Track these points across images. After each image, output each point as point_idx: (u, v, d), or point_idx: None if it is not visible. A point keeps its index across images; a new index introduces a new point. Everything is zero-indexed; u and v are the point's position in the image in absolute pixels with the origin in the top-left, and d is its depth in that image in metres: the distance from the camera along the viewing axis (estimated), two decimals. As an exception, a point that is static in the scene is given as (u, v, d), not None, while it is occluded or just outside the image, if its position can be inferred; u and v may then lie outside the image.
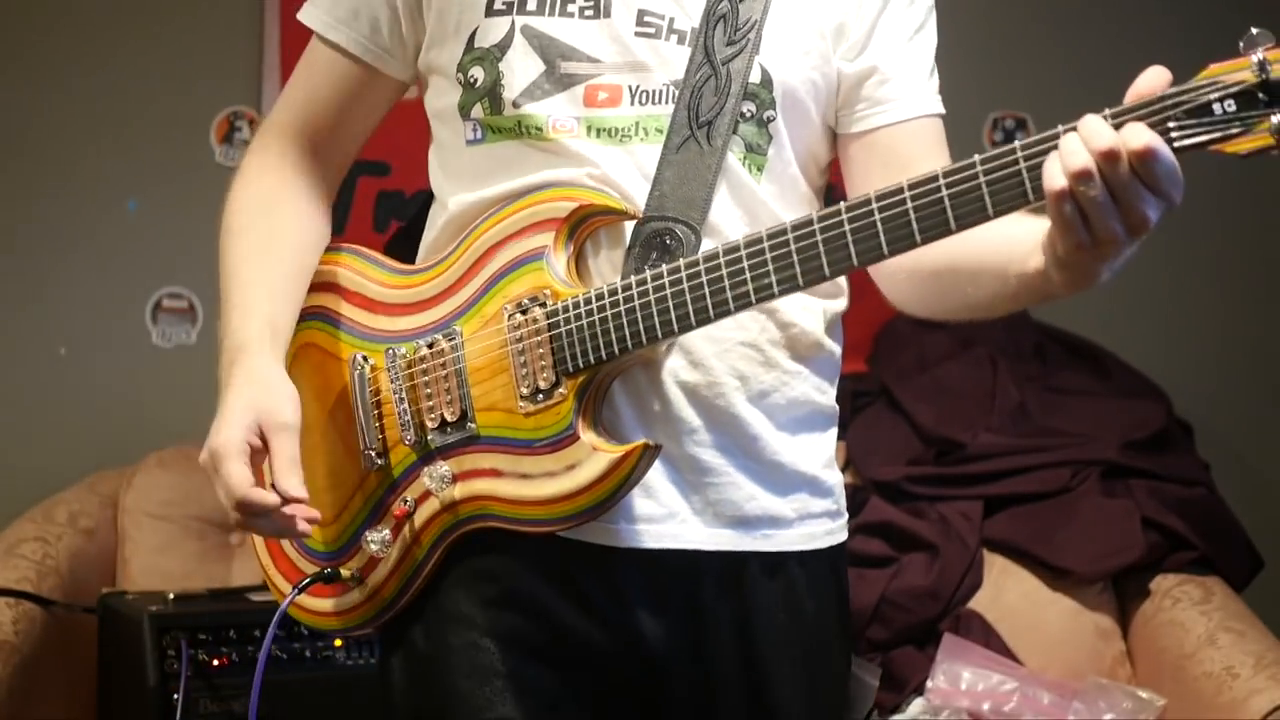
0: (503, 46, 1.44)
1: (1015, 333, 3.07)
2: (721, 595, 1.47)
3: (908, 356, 3.04)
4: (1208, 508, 2.79)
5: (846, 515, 1.56)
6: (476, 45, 1.46)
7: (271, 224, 1.52)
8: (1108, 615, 2.71)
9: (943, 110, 1.53)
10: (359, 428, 1.50)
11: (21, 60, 3.00)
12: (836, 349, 1.53)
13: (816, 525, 1.51)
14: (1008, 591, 2.74)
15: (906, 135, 1.50)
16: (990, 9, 3.20)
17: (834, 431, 1.56)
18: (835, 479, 1.55)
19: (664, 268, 1.36)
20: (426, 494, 1.46)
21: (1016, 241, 1.31)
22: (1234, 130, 1.16)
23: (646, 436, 1.41)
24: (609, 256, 1.44)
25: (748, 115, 1.44)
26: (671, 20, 1.44)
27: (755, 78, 1.44)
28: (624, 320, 1.36)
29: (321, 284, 1.55)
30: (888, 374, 3.04)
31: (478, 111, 1.46)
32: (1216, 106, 1.16)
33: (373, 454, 1.48)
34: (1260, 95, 1.14)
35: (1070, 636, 2.69)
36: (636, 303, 1.36)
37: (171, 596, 2.48)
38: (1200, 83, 1.17)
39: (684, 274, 1.34)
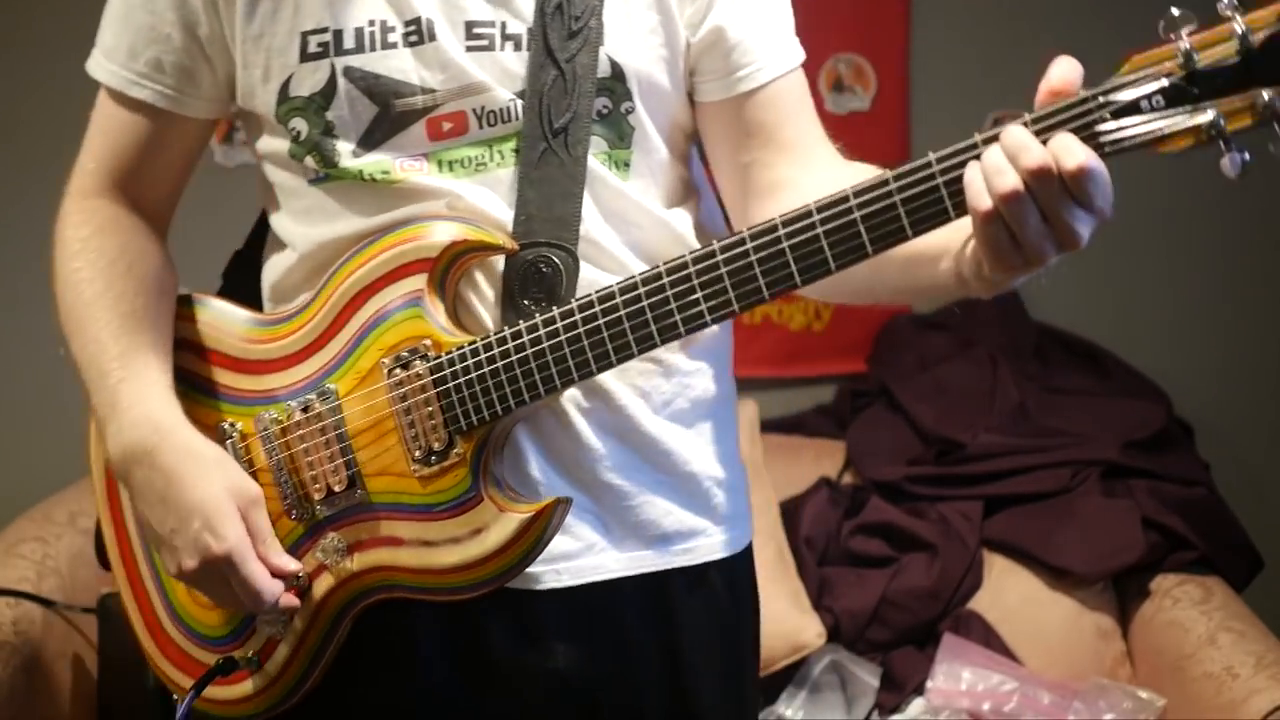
0: (326, 95, 1.31)
1: (1015, 333, 3.07)
2: (647, 620, 1.41)
3: (908, 356, 3.04)
4: (1208, 508, 2.79)
5: (750, 507, 1.50)
6: (292, 95, 1.32)
7: (134, 284, 1.37)
8: (1108, 615, 2.71)
9: (801, 58, 1.40)
10: None
11: (20, 59, 3.00)
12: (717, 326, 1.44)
13: (735, 529, 1.45)
14: (1008, 592, 2.74)
15: (765, 101, 1.38)
16: (990, 9, 3.20)
17: (734, 410, 1.48)
18: (741, 472, 1.47)
19: (556, 311, 1.26)
20: (320, 568, 1.34)
21: (929, 241, 1.19)
22: (1166, 129, 1.06)
23: (553, 472, 1.35)
24: (485, 295, 1.33)
25: (604, 112, 1.33)
26: (503, 25, 1.31)
27: (604, 71, 1.32)
28: (517, 372, 1.26)
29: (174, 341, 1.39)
30: (888, 374, 3.04)
31: (310, 162, 1.34)
32: (1145, 103, 1.06)
33: None
34: (1191, 89, 1.05)
35: (1070, 637, 2.69)
36: (529, 351, 1.26)
37: (171, 597, 2.48)
38: (1125, 78, 1.07)
39: (579, 317, 1.25)
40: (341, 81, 1.31)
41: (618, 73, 1.33)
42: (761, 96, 1.38)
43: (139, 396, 1.32)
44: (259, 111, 1.35)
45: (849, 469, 2.95)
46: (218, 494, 1.29)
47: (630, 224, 1.36)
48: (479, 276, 1.33)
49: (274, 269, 1.41)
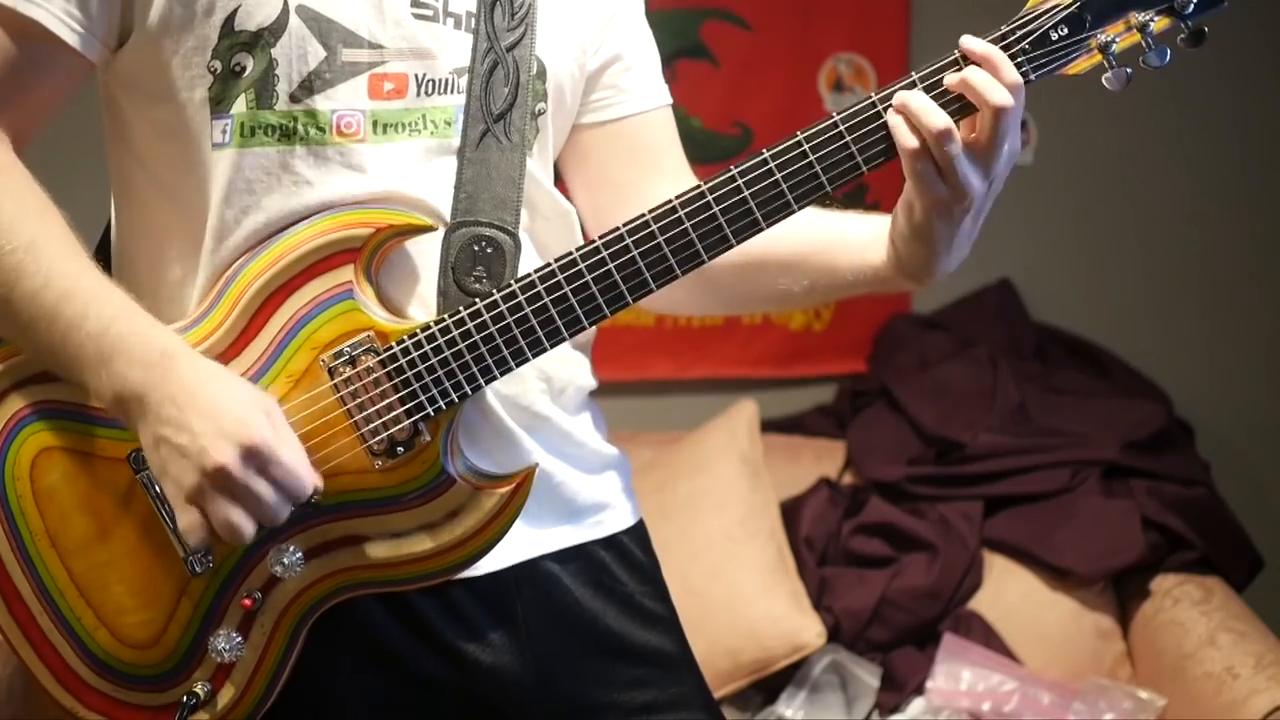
0: (275, 30, 1.26)
1: (1015, 333, 3.07)
2: (568, 596, 1.41)
3: (908, 356, 3.04)
4: (1208, 508, 2.79)
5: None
6: (238, 28, 1.26)
7: (55, 217, 1.32)
8: (1108, 615, 2.71)
9: (671, 99, 1.50)
10: (171, 533, 1.29)
11: None
12: None
13: (631, 500, 1.49)
14: (1008, 592, 2.74)
15: (652, 124, 1.47)
16: (990, 10, 3.19)
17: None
18: (624, 453, 1.51)
19: (515, 284, 1.27)
20: (274, 580, 1.29)
21: (849, 232, 1.35)
22: (1072, 54, 1.25)
23: (482, 458, 1.34)
24: (414, 277, 1.31)
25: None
26: (447, 2, 1.31)
27: (532, 68, 1.34)
28: (483, 350, 1.27)
29: (46, 371, 1.28)
30: (888, 374, 3.04)
31: (238, 105, 1.27)
32: (1053, 33, 1.25)
33: (199, 555, 1.29)
34: (1085, 17, 1.24)
35: (1070, 637, 2.69)
36: (494, 328, 1.27)
37: (171, 597, 2.48)
38: (1032, 12, 1.26)
39: (541, 288, 1.27)
40: (293, 19, 1.26)
41: (541, 72, 1.36)
42: (649, 118, 1.47)
43: (147, 331, 1.23)
44: (176, 54, 1.27)
45: (849, 469, 2.95)
46: (246, 396, 1.21)
47: (537, 216, 1.39)
48: (410, 258, 1.31)
49: (149, 263, 1.34)
